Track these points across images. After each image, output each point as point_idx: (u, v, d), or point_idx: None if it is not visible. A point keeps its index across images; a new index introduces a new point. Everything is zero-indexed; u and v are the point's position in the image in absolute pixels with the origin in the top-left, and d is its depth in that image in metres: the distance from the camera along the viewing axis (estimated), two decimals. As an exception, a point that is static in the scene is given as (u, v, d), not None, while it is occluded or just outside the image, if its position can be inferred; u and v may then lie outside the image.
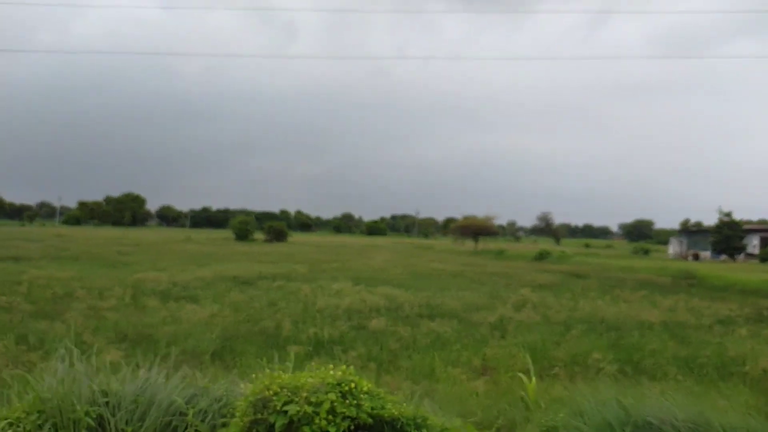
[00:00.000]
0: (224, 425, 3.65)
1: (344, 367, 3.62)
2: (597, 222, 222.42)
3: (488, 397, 6.18)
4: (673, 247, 62.58)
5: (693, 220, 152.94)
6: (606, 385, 5.35)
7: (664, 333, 11.28)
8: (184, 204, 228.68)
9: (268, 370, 3.74)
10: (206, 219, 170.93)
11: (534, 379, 5.68)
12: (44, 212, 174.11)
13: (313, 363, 7.96)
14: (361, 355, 8.84)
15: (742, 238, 52.33)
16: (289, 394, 3.28)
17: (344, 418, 3.17)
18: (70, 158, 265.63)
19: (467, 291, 17.67)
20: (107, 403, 3.69)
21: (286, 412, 3.18)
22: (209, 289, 16.06)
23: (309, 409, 3.16)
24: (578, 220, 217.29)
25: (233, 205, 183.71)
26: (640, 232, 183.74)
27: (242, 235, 64.54)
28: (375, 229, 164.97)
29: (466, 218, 59.92)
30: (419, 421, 3.49)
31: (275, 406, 3.22)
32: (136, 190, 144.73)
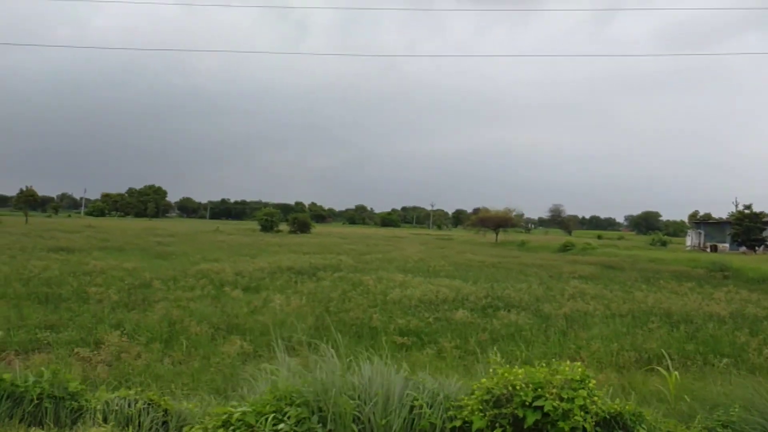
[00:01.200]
0: (450, 418, 3.76)
1: (572, 363, 3.80)
2: (602, 214, 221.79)
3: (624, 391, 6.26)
4: (691, 239, 62.32)
5: (702, 212, 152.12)
6: (739, 379, 5.61)
7: (738, 326, 11.46)
8: (200, 196, 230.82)
9: (496, 365, 3.98)
10: (225, 210, 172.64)
11: (675, 373, 5.53)
12: (65, 203, 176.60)
13: (410, 352, 8.34)
14: (457, 346, 9.24)
15: (762, 230, 51.97)
16: (537, 389, 3.45)
17: (590, 413, 3.33)
18: (89, 151, 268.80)
19: (518, 282, 18.00)
20: (358, 396, 3.90)
21: (538, 407, 3.32)
22: (274, 280, 16.59)
23: (565, 405, 3.31)
24: (584, 212, 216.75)
25: (248, 197, 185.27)
26: (648, 224, 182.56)
27: (268, 227, 65.34)
28: (388, 220, 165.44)
29: (486, 210, 60.21)
30: (636, 416, 3.65)
31: (523, 400, 3.39)
32: (155, 183, 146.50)
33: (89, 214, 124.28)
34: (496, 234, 59.23)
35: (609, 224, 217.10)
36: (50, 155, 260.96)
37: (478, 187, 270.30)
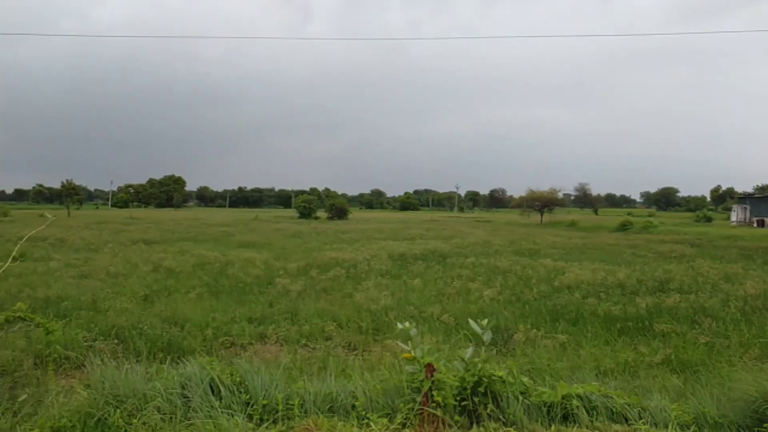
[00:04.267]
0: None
1: None
2: (616, 191, 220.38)
3: None
4: (736, 214, 61.93)
5: (723, 187, 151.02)
6: None
7: None
8: (213, 185, 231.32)
9: None
10: (243, 198, 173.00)
11: None
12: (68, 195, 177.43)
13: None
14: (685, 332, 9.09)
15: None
16: None
17: None
18: (96, 144, 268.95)
19: (637, 264, 17.82)
20: None
21: None
22: (404, 268, 16.52)
23: None
24: (598, 190, 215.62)
25: (260, 184, 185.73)
26: (667, 201, 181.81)
27: (306, 213, 65.36)
28: (408, 204, 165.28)
29: (532, 191, 59.86)
30: None
31: None
32: (165, 173, 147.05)
33: (114, 205, 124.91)
34: (541, 214, 58.97)
35: (624, 201, 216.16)
36: (57, 149, 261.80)
37: (488, 169, 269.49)
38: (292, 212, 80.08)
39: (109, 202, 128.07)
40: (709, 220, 63.26)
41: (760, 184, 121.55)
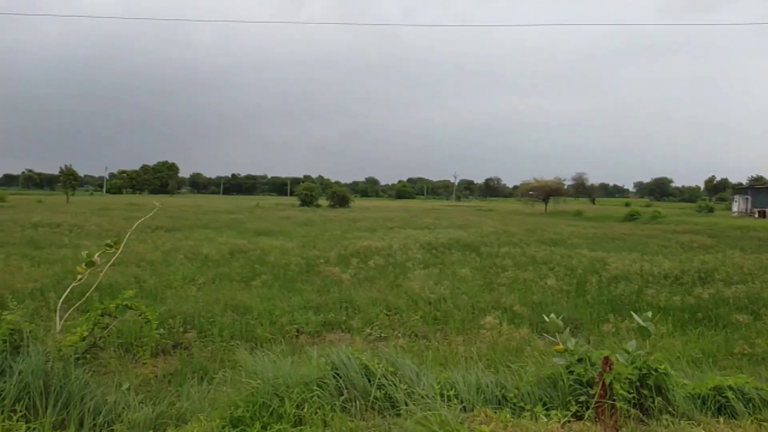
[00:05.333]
0: None
1: None
2: (609, 181, 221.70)
3: None
4: (737, 205, 62.50)
5: (718, 177, 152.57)
6: None
7: None
8: (205, 171, 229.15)
9: None
10: (236, 185, 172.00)
11: None
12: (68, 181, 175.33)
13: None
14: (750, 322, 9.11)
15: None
16: None
17: None
18: (87, 128, 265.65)
19: (664, 254, 17.86)
20: None
21: None
22: (439, 257, 16.45)
23: None
24: (592, 180, 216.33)
25: (252, 171, 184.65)
26: (661, 191, 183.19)
27: (307, 201, 65.10)
28: (403, 192, 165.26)
29: (536, 180, 59.91)
30: None
31: None
32: (157, 159, 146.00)
33: (107, 191, 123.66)
34: (545, 204, 59.12)
35: (618, 191, 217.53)
36: (46, 134, 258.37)
37: (482, 157, 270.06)
38: (292, 200, 79.81)
39: (104, 188, 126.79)
40: (710, 210, 63.83)
41: (754, 175, 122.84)
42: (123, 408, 4.68)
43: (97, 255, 6.08)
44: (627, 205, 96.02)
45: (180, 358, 7.14)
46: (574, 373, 4.47)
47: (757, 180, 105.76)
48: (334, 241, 21.11)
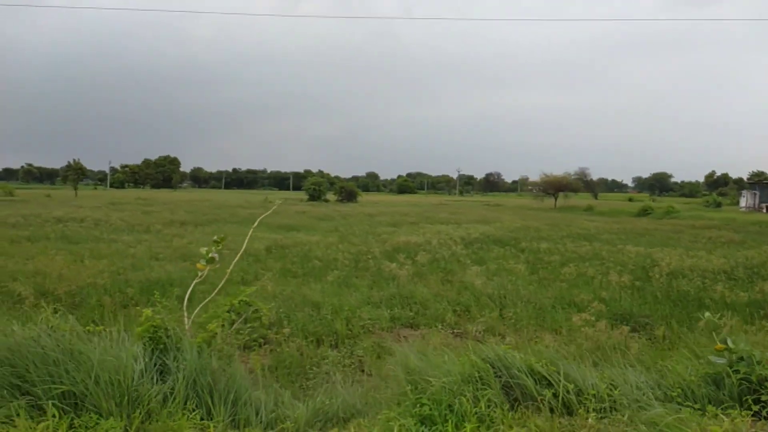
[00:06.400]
0: None
1: None
2: (608, 176, 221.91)
3: None
4: (745, 200, 62.82)
5: (718, 172, 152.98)
6: None
7: None
8: (205, 166, 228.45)
9: None
10: (237, 180, 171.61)
11: None
12: (66, 175, 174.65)
13: None
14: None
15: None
16: None
17: None
18: (85, 122, 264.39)
19: (708, 251, 17.88)
20: None
21: None
22: (478, 253, 16.40)
23: None
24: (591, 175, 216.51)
25: (252, 166, 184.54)
26: (661, 186, 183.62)
27: (315, 196, 64.96)
28: (404, 187, 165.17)
29: (546, 175, 59.91)
30: None
31: None
32: (155, 153, 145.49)
33: (110, 185, 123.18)
34: (555, 199, 59.11)
35: (616, 186, 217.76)
36: (44, 128, 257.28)
37: (479, 152, 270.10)
38: (297, 194, 79.63)
39: (108, 183, 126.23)
40: (718, 205, 64.01)
41: (755, 170, 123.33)
42: (276, 405, 4.63)
43: (214, 251, 6.00)
44: (630, 200, 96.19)
45: (273, 355, 7.05)
46: (740, 372, 4.43)
47: (758, 175, 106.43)
48: (364, 236, 21.04)
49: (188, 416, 4.00)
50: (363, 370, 6.64)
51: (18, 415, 3.51)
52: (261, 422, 4.32)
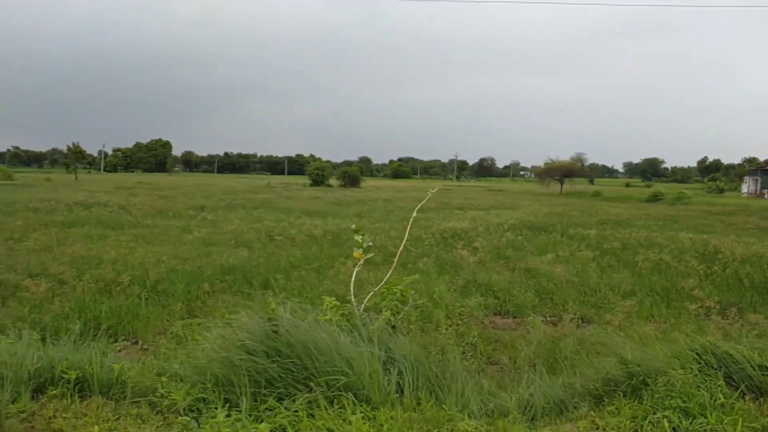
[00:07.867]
0: None
1: None
2: (597, 161, 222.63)
3: None
4: (747, 186, 63.58)
5: (710, 158, 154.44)
6: None
7: None
8: (195, 149, 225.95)
9: None
10: (229, 164, 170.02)
11: None
12: (54, 159, 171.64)
13: None
14: None
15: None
16: None
17: None
18: (71, 105, 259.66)
19: (739, 236, 17.85)
20: None
21: None
22: (529, 240, 16.24)
23: None
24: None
25: (242, 149, 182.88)
26: (653, 171, 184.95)
27: (318, 181, 64.56)
28: (399, 172, 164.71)
29: (552, 161, 59.85)
30: None
31: None
32: (143, 136, 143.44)
33: (103, 169, 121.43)
34: (561, 184, 59.14)
35: (606, 171, 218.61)
36: (31, 111, 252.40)
37: (471, 137, 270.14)
38: (296, 179, 79.08)
39: (102, 166, 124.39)
40: (721, 191, 64.59)
41: (747, 156, 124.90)
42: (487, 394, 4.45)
43: (369, 241, 5.82)
44: (627, 185, 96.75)
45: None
46: None
47: (751, 161, 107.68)
48: (399, 222, 20.78)
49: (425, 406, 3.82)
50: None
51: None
52: (484, 413, 4.14)
